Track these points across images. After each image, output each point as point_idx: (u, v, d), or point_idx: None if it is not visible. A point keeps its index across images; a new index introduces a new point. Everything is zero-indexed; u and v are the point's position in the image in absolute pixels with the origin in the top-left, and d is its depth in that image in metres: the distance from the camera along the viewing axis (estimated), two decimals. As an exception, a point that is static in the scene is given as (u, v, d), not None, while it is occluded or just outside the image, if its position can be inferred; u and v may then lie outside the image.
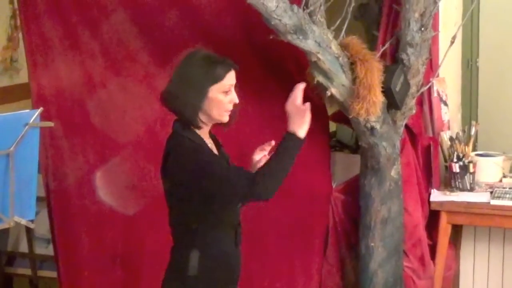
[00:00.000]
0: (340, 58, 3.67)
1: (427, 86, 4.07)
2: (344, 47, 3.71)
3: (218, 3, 4.04)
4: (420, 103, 4.20)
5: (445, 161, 4.36)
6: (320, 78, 3.70)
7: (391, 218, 4.00)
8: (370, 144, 3.89)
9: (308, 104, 3.00)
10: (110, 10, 4.17)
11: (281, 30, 3.49)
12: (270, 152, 3.14)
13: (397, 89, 3.78)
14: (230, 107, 3.02)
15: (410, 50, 3.85)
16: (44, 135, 4.20)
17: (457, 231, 4.46)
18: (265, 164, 2.99)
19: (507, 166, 4.52)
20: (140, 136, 4.25)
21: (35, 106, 4.17)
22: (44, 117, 3.48)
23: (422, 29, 3.83)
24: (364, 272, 4.04)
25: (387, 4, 4.03)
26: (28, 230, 5.07)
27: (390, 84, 3.74)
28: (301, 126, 2.98)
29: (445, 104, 4.42)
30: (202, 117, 2.99)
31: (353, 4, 3.77)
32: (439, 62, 4.10)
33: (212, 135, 3.13)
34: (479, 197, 4.21)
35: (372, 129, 3.82)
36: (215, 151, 3.07)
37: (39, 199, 3.47)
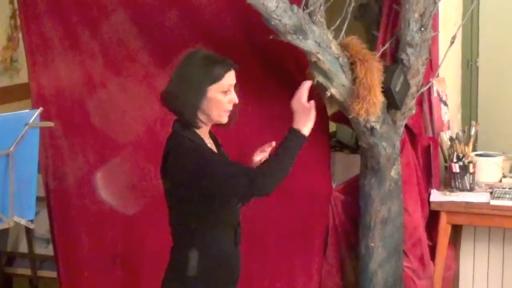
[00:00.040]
0: (340, 58, 3.67)
1: (427, 86, 4.06)
2: (344, 47, 3.71)
3: (218, 3, 4.04)
4: (420, 103, 4.20)
5: (445, 161, 4.35)
6: (320, 78, 3.69)
7: (391, 218, 3.99)
8: (370, 144, 3.89)
9: (313, 102, 3.01)
10: (110, 10, 4.17)
11: (281, 30, 3.48)
12: (270, 153, 3.14)
13: (397, 89, 3.78)
14: (230, 107, 3.02)
15: (410, 50, 3.85)
16: (44, 135, 4.20)
17: (457, 231, 4.46)
18: (266, 162, 2.99)
19: (507, 166, 4.52)
20: (140, 136, 4.25)
21: (35, 106, 4.17)
22: (44, 117, 3.48)
23: (422, 29, 3.82)
24: (364, 272, 4.04)
25: (387, 4, 4.03)
26: (28, 230, 5.07)
27: (390, 84, 3.74)
28: (305, 124, 2.99)
29: (445, 104, 4.42)
30: (201, 117, 2.99)
31: (353, 4, 3.77)
32: (439, 62, 4.10)
33: (212, 135, 3.13)
34: (479, 197, 4.21)
35: (372, 129, 3.82)
36: (214, 150, 3.07)
37: (39, 199, 3.47)
